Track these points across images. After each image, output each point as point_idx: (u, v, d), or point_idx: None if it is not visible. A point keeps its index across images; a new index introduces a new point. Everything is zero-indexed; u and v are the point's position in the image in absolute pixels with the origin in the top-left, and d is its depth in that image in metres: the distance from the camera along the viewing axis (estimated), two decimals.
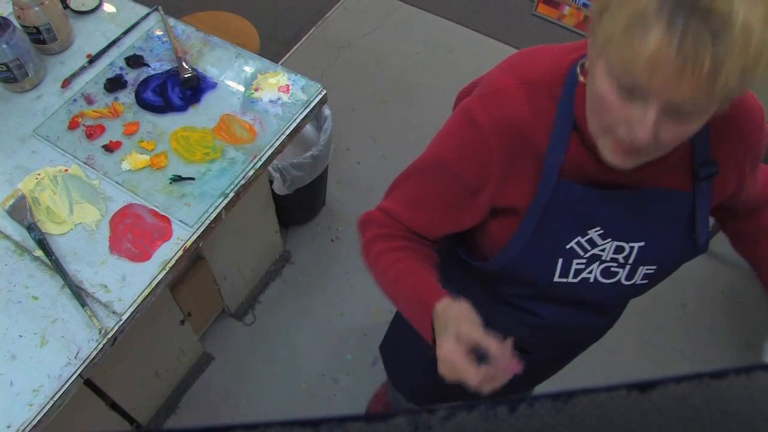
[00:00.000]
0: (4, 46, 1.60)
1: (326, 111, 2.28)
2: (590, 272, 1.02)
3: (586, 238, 0.98)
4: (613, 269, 1.02)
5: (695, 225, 0.98)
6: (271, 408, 2.21)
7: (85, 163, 1.61)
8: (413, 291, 0.99)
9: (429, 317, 0.94)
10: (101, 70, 1.79)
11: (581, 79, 0.88)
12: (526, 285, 1.08)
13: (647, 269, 1.02)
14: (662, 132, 0.77)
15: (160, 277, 1.45)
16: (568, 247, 0.99)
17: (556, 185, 0.93)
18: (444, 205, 1.03)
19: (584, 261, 1.01)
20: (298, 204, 2.45)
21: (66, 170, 1.60)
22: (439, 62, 3.21)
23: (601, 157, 0.86)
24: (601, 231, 0.97)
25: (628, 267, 1.02)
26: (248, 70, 1.81)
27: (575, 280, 1.03)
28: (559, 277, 1.02)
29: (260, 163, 1.63)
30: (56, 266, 1.43)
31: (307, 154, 2.18)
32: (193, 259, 1.90)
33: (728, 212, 1.12)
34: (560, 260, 1.00)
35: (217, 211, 1.54)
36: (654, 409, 0.21)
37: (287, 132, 1.69)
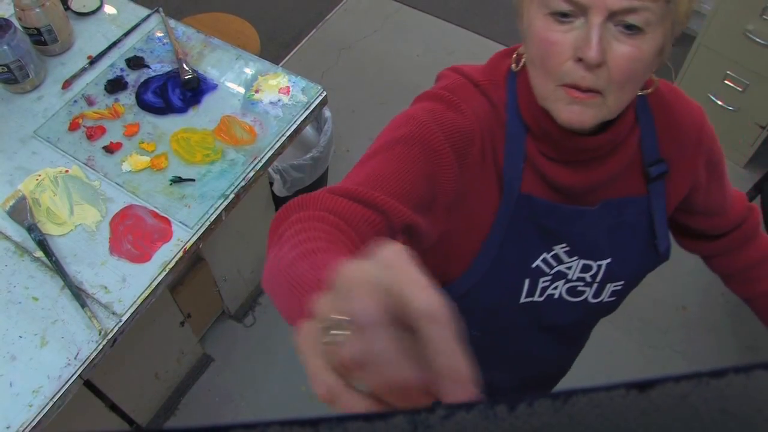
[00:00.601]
0: (5, 47, 1.61)
1: (326, 113, 2.28)
2: (555, 288, 0.99)
3: (552, 253, 0.95)
4: (579, 288, 1.00)
5: (655, 231, 0.97)
6: (270, 409, 2.21)
7: (85, 165, 1.61)
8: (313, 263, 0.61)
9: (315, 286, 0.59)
10: (102, 71, 1.79)
11: (515, 68, 0.88)
12: (488, 313, 1.01)
13: (615, 286, 1.00)
14: (613, 53, 0.75)
15: (160, 278, 1.45)
16: (534, 265, 0.95)
17: (518, 199, 0.90)
18: (415, 175, 0.83)
19: (549, 278, 0.97)
20: None
21: (66, 171, 1.60)
22: (439, 64, 3.19)
23: (558, 121, 0.82)
24: (567, 248, 0.95)
25: (595, 285, 0.99)
26: (248, 71, 1.81)
27: (540, 299, 0.99)
28: (525, 297, 0.98)
29: (260, 164, 1.63)
30: (56, 267, 1.43)
31: (308, 156, 2.18)
32: (193, 261, 1.91)
33: (700, 236, 1.13)
34: (527, 281, 0.96)
35: (218, 212, 1.55)
36: (653, 409, 0.21)
37: (287, 133, 1.69)
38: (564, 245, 0.94)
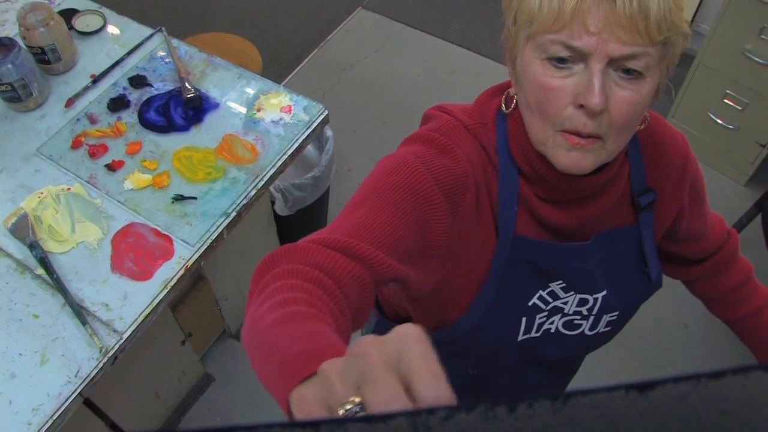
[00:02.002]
0: (10, 66, 1.62)
1: (328, 132, 2.29)
2: (552, 323, 0.98)
3: (548, 290, 0.94)
4: (576, 322, 0.99)
5: (645, 259, 0.98)
6: None
7: (87, 182, 1.61)
8: (307, 333, 0.58)
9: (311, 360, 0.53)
10: (105, 90, 1.81)
11: (506, 110, 0.87)
12: (486, 352, 1.00)
13: (610, 317, 0.99)
14: (614, 98, 0.74)
15: (161, 296, 1.45)
16: (530, 303, 0.94)
17: (513, 241, 0.89)
18: (405, 225, 0.80)
19: (546, 313, 0.97)
20: (299, 225, 2.45)
21: (68, 189, 1.60)
22: (441, 84, 3.23)
23: (557, 167, 0.81)
24: (563, 284, 0.94)
25: (591, 318, 0.99)
26: (250, 90, 1.82)
27: (537, 335, 0.98)
28: (523, 335, 0.97)
29: (262, 183, 1.64)
30: (57, 284, 1.43)
31: (309, 175, 2.18)
32: (194, 279, 1.91)
33: (682, 261, 1.14)
34: (524, 319, 0.95)
35: (219, 230, 1.55)
36: (652, 409, 0.21)
37: (289, 152, 1.70)
38: (560, 282, 0.94)
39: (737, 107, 2.59)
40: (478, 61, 3.35)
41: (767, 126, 2.57)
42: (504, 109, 0.88)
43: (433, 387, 0.36)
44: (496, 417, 0.22)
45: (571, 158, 0.78)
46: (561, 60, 0.74)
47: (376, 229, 0.76)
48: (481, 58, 3.35)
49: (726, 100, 2.61)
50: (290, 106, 1.78)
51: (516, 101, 0.85)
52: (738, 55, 2.46)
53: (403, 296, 1.00)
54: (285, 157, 1.69)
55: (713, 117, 2.69)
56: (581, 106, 0.74)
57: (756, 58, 2.40)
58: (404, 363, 0.37)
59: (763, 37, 2.35)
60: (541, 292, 0.94)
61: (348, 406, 0.36)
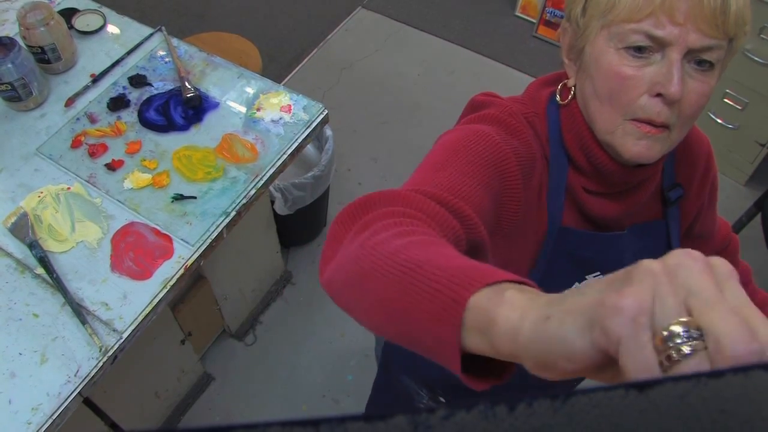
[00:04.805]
0: (9, 65, 1.62)
1: (328, 131, 2.29)
2: None
3: (584, 282, 0.95)
4: None
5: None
6: None
7: (87, 182, 1.61)
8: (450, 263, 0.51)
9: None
10: (104, 89, 1.81)
11: (561, 101, 0.88)
12: None
13: None
14: (687, 89, 0.76)
15: (161, 295, 1.45)
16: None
17: (559, 231, 0.90)
18: (488, 195, 0.78)
19: None
20: (299, 224, 2.45)
21: (68, 188, 1.60)
22: (440, 84, 3.23)
23: (622, 156, 0.81)
24: (600, 275, 0.95)
25: None
26: (250, 90, 1.82)
27: None
28: None
29: (262, 182, 1.64)
30: (57, 284, 1.43)
31: (309, 175, 2.18)
32: (194, 279, 1.91)
33: None
34: None
35: (219, 230, 1.55)
36: (652, 408, 0.21)
37: (289, 151, 1.70)
38: (597, 273, 0.95)
39: (737, 107, 2.59)
40: (478, 61, 3.34)
41: (767, 126, 2.57)
42: (559, 100, 0.88)
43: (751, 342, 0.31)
44: (495, 416, 0.22)
45: (641, 146, 0.80)
46: (639, 49, 0.75)
47: (465, 192, 0.74)
48: (481, 57, 3.35)
49: (726, 100, 2.61)
50: (290, 106, 1.78)
51: (573, 92, 0.86)
52: (738, 54, 2.45)
53: None
54: (285, 156, 1.69)
55: (713, 116, 2.69)
56: (658, 95, 0.76)
57: (756, 58, 2.40)
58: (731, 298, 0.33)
59: (763, 36, 2.35)
60: (577, 283, 0.95)
61: (679, 329, 0.32)
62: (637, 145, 0.80)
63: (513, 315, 0.42)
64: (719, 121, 2.67)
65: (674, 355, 0.32)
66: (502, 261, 0.88)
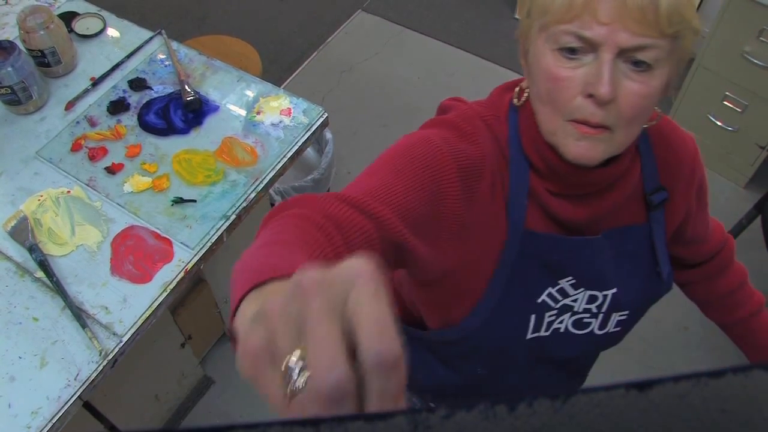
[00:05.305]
0: (9, 69, 1.62)
1: (328, 134, 2.29)
2: (561, 322, 0.98)
3: (557, 288, 0.94)
4: (585, 320, 0.99)
5: (657, 258, 0.98)
6: None
7: (87, 185, 1.62)
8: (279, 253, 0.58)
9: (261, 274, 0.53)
10: (104, 92, 1.81)
11: (517, 102, 0.88)
12: (494, 351, 1.00)
13: (620, 316, 1.00)
14: (623, 90, 0.75)
15: (161, 299, 1.45)
16: (539, 301, 0.94)
17: (523, 235, 0.89)
18: (420, 197, 0.80)
19: (555, 312, 0.96)
20: None
21: (68, 192, 1.60)
22: (440, 86, 3.23)
23: (565, 157, 0.82)
24: (573, 280, 0.94)
25: (601, 316, 0.99)
26: (250, 93, 1.82)
27: (546, 334, 0.98)
28: (532, 333, 0.97)
29: (262, 185, 1.64)
30: (57, 287, 1.43)
31: (309, 178, 2.19)
32: (194, 282, 1.90)
33: (680, 264, 1.15)
34: (533, 316, 0.96)
35: (219, 233, 1.55)
36: (652, 408, 0.21)
37: (289, 155, 1.70)
38: (570, 278, 0.94)
39: (737, 109, 2.60)
40: (478, 63, 3.35)
41: (767, 128, 2.57)
42: (515, 102, 0.89)
43: (379, 340, 0.32)
44: (496, 416, 0.22)
45: (581, 147, 0.80)
46: (572, 50, 0.76)
47: (390, 193, 0.77)
48: (481, 60, 3.36)
49: (725, 102, 2.61)
50: (290, 109, 1.78)
51: (527, 94, 0.87)
52: (737, 57, 2.46)
53: (414, 284, 0.99)
54: (285, 159, 1.69)
55: (713, 119, 2.69)
56: (590, 96, 0.76)
57: (755, 60, 2.40)
58: (350, 308, 0.34)
59: (762, 39, 2.35)
60: (550, 289, 0.94)
61: (292, 360, 0.33)
62: (577, 146, 0.80)
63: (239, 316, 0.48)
64: (719, 123, 2.67)
65: (292, 388, 0.33)
66: (462, 260, 0.89)
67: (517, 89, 0.90)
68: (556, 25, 0.75)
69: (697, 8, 3.03)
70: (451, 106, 0.95)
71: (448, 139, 0.86)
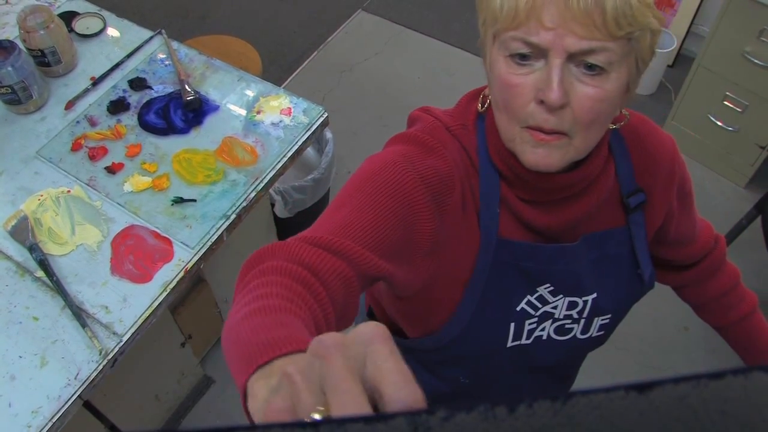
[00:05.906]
0: (9, 68, 1.62)
1: (328, 134, 2.29)
2: (543, 330, 0.98)
3: (536, 295, 0.94)
4: (567, 326, 0.98)
5: (638, 260, 0.97)
6: None
7: (87, 185, 1.62)
8: (271, 324, 0.57)
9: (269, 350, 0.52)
10: (104, 92, 1.81)
11: (481, 109, 0.88)
12: (476, 359, 1.00)
13: (602, 320, 0.99)
14: (576, 94, 0.74)
15: (161, 298, 1.45)
16: (518, 308, 0.94)
17: (497, 243, 0.88)
18: (391, 224, 0.80)
19: (536, 319, 0.96)
20: (299, 227, 2.43)
21: (68, 191, 1.60)
22: (440, 86, 3.23)
23: (525, 164, 0.81)
24: (551, 287, 0.93)
25: (582, 321, 0.98)
26: (250, 93, 1.82)
27: (528, 342, 0.98)
28: (512, 341, 0.97)
29: (262, 185, 1.64)
30: (57, 287, 1.43)
31: (309, 177, 2.18)
32: (194, 282, 1.90)
33: (671, 267, 1.14)
34: (512, 324, 0.95)
35: (219, 232, 1.55)
36: (652, 410, 0.21)
37: (289, 154, 1.70)
38: (548, 285, 0.93)
39: (737, 109, 2.60)
40: (478, 63, 3.31)
41: (767, 128, 2.57)
42: (479, 108, 0.89)
43: (404, 389, 0.34)
44: (496, 417, 0.22)
45: (537, 155, 0.79)
46: (522, 57, 0.75)
47: (360, 227, 0.77)
48: (481, 59, 3.35)
49: (726, 102, 2.61)
50: (290, 109, 1.78)
51: (489, 101, 0.86)
52: (738, 57, 2.46)
53: (392, 297, 0.99)
54: (285, 159, 1.69)
55: (713, 119, 2.69)
56: (542, 102, 0.75)
57: (756, 60, 2.40)
58: (371, 366, 0.35)
59: (762, 39, 2.35)
60: (529, 296, 0.93)
61: (316, 416, 0.34)
62: (534, 153, 0.79)
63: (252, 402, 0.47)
64: (719, 123, 2.67)
65: None
66: (437, 272, 0.88)
67: (481, 96, 0.90)
68: (506, 32, 0.74)
69: (697, 8, 3.03)
70: (418, 117, 0.94)
71: (411, 157, 0.85)
